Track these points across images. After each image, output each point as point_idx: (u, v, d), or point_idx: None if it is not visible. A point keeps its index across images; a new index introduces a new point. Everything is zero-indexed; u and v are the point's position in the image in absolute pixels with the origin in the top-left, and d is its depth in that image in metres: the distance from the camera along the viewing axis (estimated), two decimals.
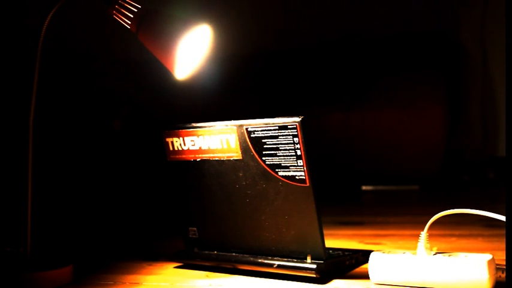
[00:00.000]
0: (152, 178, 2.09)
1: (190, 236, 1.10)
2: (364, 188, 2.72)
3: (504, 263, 0.81)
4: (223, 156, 1.00)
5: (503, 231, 0.79)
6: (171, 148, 1.07)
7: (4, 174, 1.95)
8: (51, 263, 1.00)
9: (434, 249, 0.90)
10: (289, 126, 0.92)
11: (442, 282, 0.85)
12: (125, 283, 0.99)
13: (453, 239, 1.32)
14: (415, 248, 0.90)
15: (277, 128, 0.93)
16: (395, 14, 2.96)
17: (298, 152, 0.92)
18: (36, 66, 0.98)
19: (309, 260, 0.94)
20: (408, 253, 0.90)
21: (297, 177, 0.93)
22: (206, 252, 1.07)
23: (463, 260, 0.85)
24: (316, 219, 0.92)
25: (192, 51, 1.01)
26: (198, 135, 1.03)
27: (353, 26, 2.98)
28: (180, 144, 1.05)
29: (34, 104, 0.98)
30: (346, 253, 1.04)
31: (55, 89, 2.56)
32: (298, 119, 0.91)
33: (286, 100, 2.73)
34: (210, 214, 1.06)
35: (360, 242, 1.32)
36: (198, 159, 1.04)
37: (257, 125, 0.96)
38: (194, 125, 1.04)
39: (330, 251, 1.04)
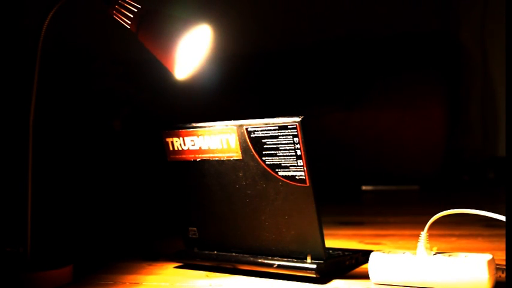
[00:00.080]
0: (152, 178, 2.09)
1: (190, 236, 1.10)
2: (364, 188, 2.71)
3: (504, 263, 0.81)
4: (223, 156, 1.00)
5: (503, 231, 0.79)
6: (171, 148, 1.07)
7: (4, 174, 1.95)
8: (51, 263, 1.00)
9: (434, 249, 0.90)
10: (289, 126, 0.92)
11: (442, 282, 0.85)
12: (125, 283, 0.99)
13: (453, 239, 1.32)
14: (415, 248, 0.90)
15: (277, 128, 0.93)
16: (395, 14, 2.96)
17: (298, 152, 0.92)
18: (36, 66, 0.98)
19: (309, 260, 0.94)
20: (408, 253, 0.90)
21: (297, 177, 0.93)
22: (206, 252, 1.07)
23: (463, 260, 0.85)
24: (316, 219, 0.92)
25: (192, 51, 1.01)
26: (198, 135, 1.03)
27: (353, 26, 2.98)
28: (180, 144, 1.05)
29: (34, 104, 0.98)
30: (346, 253, 1.04)
31: (55, 89, 2.56)
32: (298, 119, 0.91)
33: (286, 100, 2.73)
34: (210, 214, 1.06)
35: (360, 242, 1.32)
36: (198, 159, 1.04)
37: (257, 125, 0.96)
38: (194, 125, 1.04)
39: (330, 251, 1.04)
